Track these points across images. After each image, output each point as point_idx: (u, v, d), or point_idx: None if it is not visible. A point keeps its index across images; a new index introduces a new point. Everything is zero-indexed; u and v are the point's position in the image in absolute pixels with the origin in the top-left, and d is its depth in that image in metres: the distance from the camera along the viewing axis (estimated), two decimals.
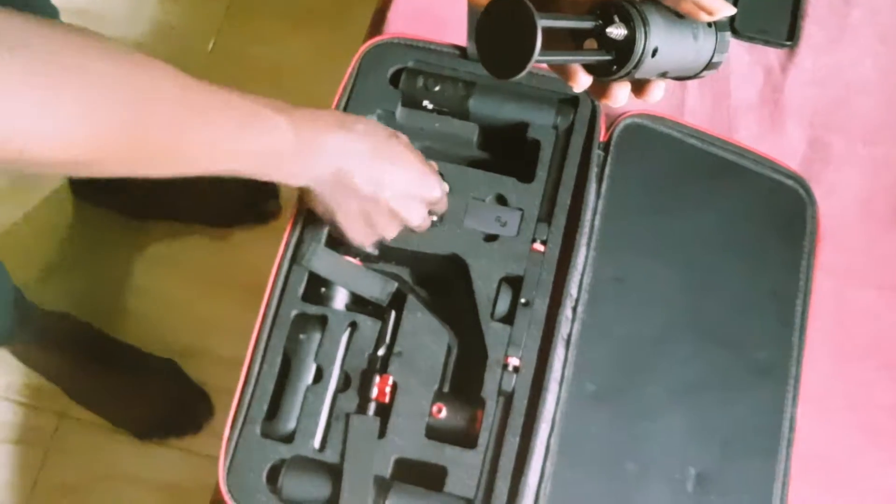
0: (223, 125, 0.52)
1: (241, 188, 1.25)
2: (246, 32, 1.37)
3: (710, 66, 0.48)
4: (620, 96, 0.48)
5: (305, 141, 0.56)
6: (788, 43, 0.84)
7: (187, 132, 0.49)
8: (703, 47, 0.46)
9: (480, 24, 0.42)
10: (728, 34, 0.48)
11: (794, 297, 0.73)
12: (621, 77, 0.45)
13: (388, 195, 0.60)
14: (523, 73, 0.40)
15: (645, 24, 0.42)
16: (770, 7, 0.86)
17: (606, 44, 0.44)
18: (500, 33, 0.41)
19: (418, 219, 0.64)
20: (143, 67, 0.46)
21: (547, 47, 0.40)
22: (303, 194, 0.62)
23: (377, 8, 0.86)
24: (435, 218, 0.68)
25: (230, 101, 0.52)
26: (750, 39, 0.85)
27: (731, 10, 0.45)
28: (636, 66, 0.43)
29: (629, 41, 0.43)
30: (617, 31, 0.43)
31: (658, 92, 0.48)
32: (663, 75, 0.47)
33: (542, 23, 0.39)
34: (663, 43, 0.43)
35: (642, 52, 0.42)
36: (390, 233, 0.65)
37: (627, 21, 0.43)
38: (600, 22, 0.43)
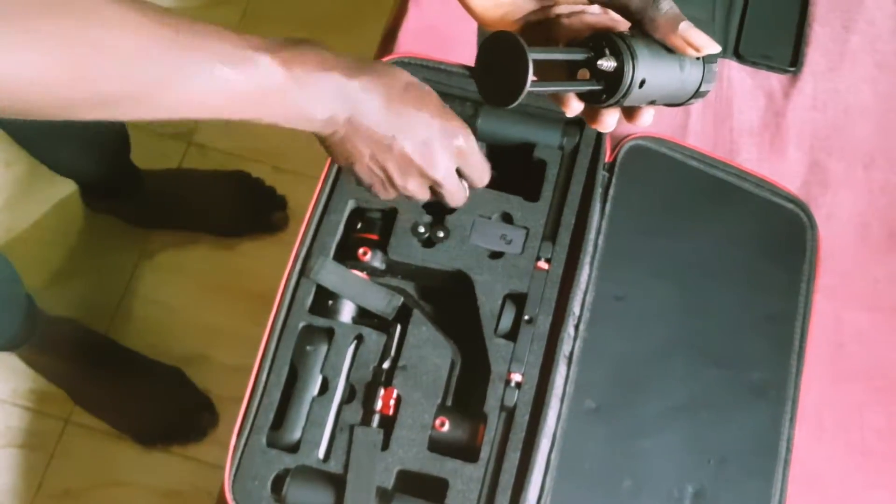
0: (192, 69, 0.48)
1: (247, 198, 1.26)
2: None
3: (697, 94, 0.50)
4: (610, 122, 0.52)
5: (298, 80, 0.52)
6: (791, 69, 0.86)
7: (146, 77, 0.46)
8: (690, 78, 0.49)
9: (479, 56, 0.47)
10: (715, 66, 0.50)
11: (792, 320, 0.74)
12: (611, 105, 0.47)
13: (405, 142, 0.55)
14: (516, 103, 0.44)
15: (633, 57, 0.45)
16: (774, 33, 0.88)
17: (597, 74, 0.46)
18: (497, 65, 0.45)
19: (442, 170, 0.58)
20: (96, 14, 0.43)
21: (542, 76, 0.43)
22: (320, 142, 0.58)
23: (388, 26, 0.87)
24: (466, 188, 0.61)
25: (203, 42, 0.49)
26: (753, 64, 0.86)
27: (717, 49, 0.47)
28: (624, 96, 0.46)
29: (618, 73, 0.45)
30: (607, 64, 0.45)
31: (647, 118, 0.51)
32: (652, 103, 0.49)
33: (533, 56, 0.43)
34: (651, 74, 0.46)
35: (630, 84, 0.45)
36: (413, 187, 0.58)
37: (617, 54, 0.45)
38: (592, 54, 0.46)
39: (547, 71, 0.51)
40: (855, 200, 0.82)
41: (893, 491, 0.73)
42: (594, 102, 0.48)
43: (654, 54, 0.46)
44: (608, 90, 0.46)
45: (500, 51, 0.44)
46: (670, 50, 0.47)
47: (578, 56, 0.47)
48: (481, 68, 0.47)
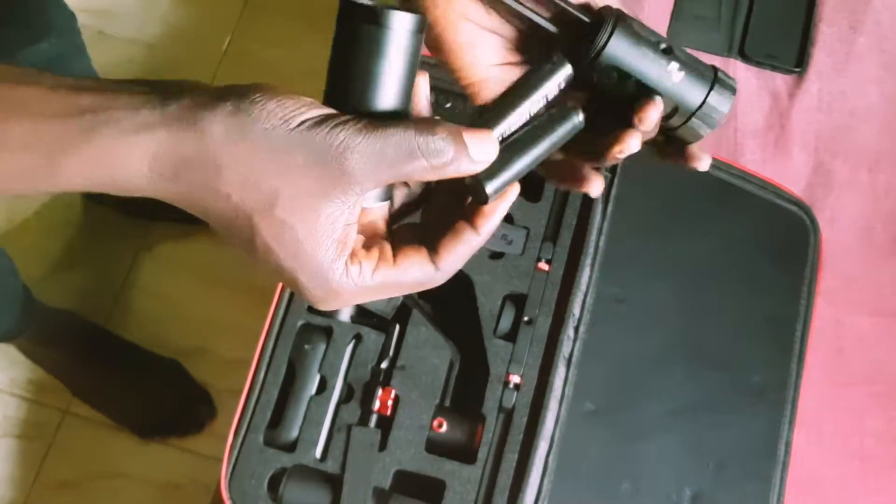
0: None
1: None
2: (261, 33, 1.38)
3: (700, 113, 0.43)
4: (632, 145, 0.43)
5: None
6: (797, 69, 0.85)
7: None
8: (683, 87, 0.42)
9: None
10: (722, 95, 0.43)
11: (793, 323, 0.73)
12: (590, 62, 0.42)
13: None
14: None
15: (614, 26, 0.41)
16: (779, 33, 0.87)
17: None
18: None
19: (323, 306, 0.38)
20: None
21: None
22: None
23: None
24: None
25: None
26: (759, 64, 0.86)
27: (707, 164, 0.44)
28: (598, 54, 0.41)
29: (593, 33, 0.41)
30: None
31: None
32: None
33: None
34: (626, 52, 0.41)
35: (602, 45, 0.41)
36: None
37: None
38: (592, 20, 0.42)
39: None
40: (859, 203, 0.81)
41: (892, 496, 0.73)
42: (575, 60, 0.42)
43: (638, 44, 0.42)
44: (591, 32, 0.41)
45: None
46: (665, 52, 0.43)
47: (582, 15, 0.42)
48: None
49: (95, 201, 1.26)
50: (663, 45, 0.42)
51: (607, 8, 0.42)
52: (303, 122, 0.34)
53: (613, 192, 0.75)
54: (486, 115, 0.41)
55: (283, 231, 0.34)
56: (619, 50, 0.41)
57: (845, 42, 0.86)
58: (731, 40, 0.86)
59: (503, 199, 0.39)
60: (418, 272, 0.37)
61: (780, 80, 0.85)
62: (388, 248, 0.37)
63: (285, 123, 0.34)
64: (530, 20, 0.42)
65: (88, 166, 0.34)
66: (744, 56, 0.86)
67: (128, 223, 1.24)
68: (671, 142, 0.45)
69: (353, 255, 0.36)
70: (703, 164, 0.44)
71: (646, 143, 0.44)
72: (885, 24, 0.87)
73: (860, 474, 0.73)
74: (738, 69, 0.85)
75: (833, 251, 0.78)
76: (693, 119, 0.43)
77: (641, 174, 0.76)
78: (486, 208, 0.38)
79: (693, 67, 0.43)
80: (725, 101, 0.43)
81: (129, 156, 0.34)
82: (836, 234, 0.79)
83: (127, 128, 0.34)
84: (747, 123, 0.83)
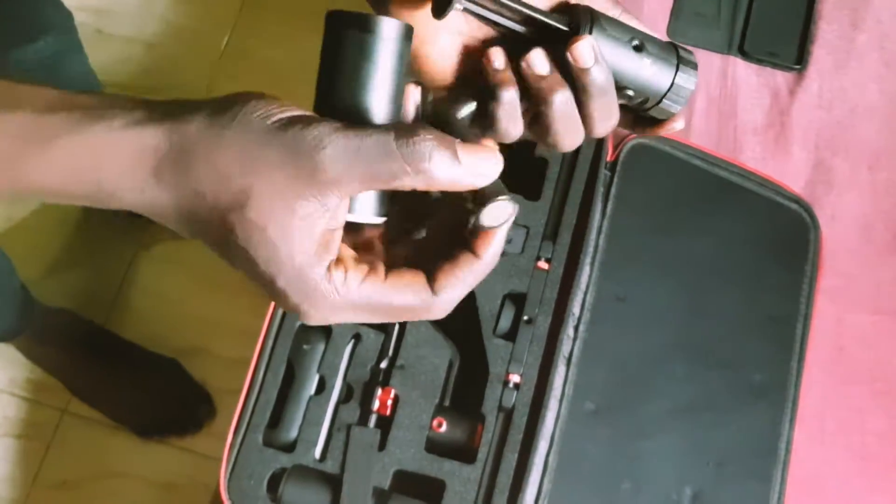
0: None
1: None
2: (260, 31, 1.37)
3: (670, 92, 0.44)
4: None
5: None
6: (797, 66, 0.85)
7: None
8: (657, 71, 0.44)
9: None
10: (686, 72, 0.44)
11: (794, 321, 0.73)
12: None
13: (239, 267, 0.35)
14: (444, 17, 0.39)
15: (593, 19, 0.42)
16: (779, 30, 0.86)
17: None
18: None
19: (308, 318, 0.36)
20: None
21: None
22: None
23: None
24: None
25: None
26: (759, 62, 0.85)
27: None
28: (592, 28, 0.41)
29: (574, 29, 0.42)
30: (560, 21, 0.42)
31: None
32: (622, 90, 0.45)
33: None
34: (606, 47, 0.43)
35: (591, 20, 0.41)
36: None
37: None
38: (571, 27, 0.43)
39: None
40: (859, 201, 0.81)
41: (893, 495, 0.73)
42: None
43: (614, 47, 0.43)
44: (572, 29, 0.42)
45: None
46: (636, 49, 0.44)
47: (559, 24, 0.42)
48: None
49: None
50: (635, 42, 0.43)
51: (581, 8, 0.42)
52: (279, 120, 0.33)
53: (613, 190, 0.74)
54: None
55: (255, 232, 0.33)
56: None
57: (846, 39, 0.86)
58: (732, 38, 0.86)
59: (500, 228, 0.37)
60: (412, 296, 0.35)
61: (781, 78, 0.85)
62: (380, 265, 0.36)
63: (262, 120, 0.33)
64: (505, 26, 0.42)
65: (74, 158, 0.34)
66: (744, 53, 0.85)
67: (127, 223, 1.24)
68: (643, 122, 0.46)
69: (338, 260, 0.34)
70: (678, 125, 0.45)
71: (620, 125, 0.45)
72: (885, 21, 0.87)
73: (861, 473, 0.72)
74: (738, 67, 0.85)
75: (833, 249, 0.78)
76: (664, 101, 0.44)
77: (641, 173, 0.75)
78: (488, 232, 0.36)
79: (659, 56, 0.44)
80: (691, 79, 0.44)
81: (118, 151, 0.34)
82: (837, 231, 0.79)
83: (118, 125, 0.34)
84: (747, 121, 0.83)
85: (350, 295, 0.34)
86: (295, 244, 0.33)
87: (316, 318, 0.35)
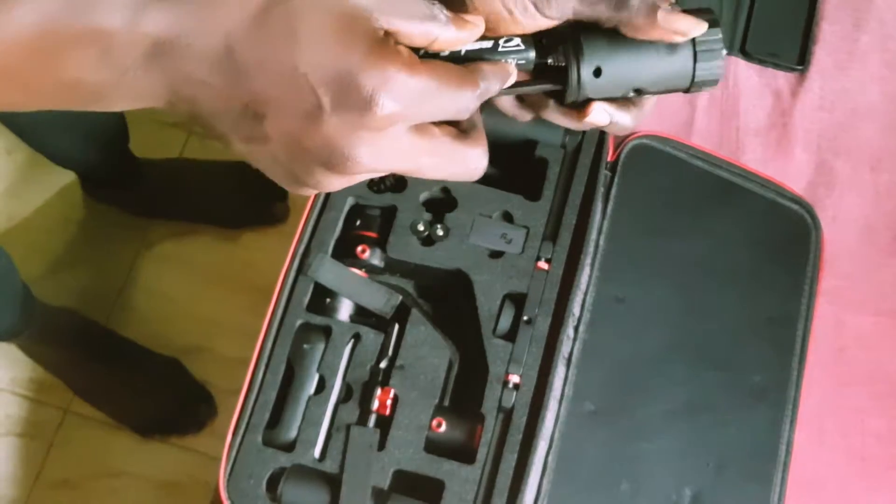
0: None
1: (248, 189, 1.25)
2: None
3: (695, 80, 0.46)
4: (598, 117, 0.48)
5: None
6: (799, 67, 0.85)
7: None
8: (679, 60, 0.45)
9: None
10: (716, 51, 0.45)
11: (794, 323, 0.73)
12: (574, 102, 0.46)
13: (275, 117, 0.32)
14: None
15: (577, 49, 0.43)
16: (781, 30, 0.86)
17: (552, 74, 0.45)
18: None
19: (359, 165, 0.34)
20: None
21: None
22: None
23: None
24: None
25: None
26: (760, 62, 0.85)
27: (701, 29, 0.44)
28: (580, 87, 0.44)
29: (566, 66, 0.44)
30: (554, 59, 0.44)
31: (596, 114, 0.47)
32: (639, 92, 0.46)
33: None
34: (610, 61, 0.44)
35: (578, 75, 0.43)
36: (331, 184, 0.36)
37: (563, 51, 0.44)
38: (535, 54, 0.44)
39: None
40: (861, 203, 0.81)
41: (894, 496, 0.73)
42: (564, 103, 0.47)
43: (613, 41, 0.44)
44: (562, 83, 0.45)
45: None
46: (638, 90, 0.46)
47: (525, 58, 0.44)
48: None
49: (96, 200, 1.26)
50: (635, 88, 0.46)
51: (568, 45, 0.44)
52: None
53: (614, 191, 0.74)
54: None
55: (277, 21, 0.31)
56: (597, 92, 0.45)
57: (848, 40, 0.86)
58: (733, 38, 0.86)
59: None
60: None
61: (783, 79, 0.85)
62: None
63: None
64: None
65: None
66: (745, 54, 0.85)
67: (128, 221, 1.24)
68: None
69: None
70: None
71: None
72: (888, 22, 0.86)
73: (862, 474, 0.72)
74: (739, 67, 0.85)
75: (835, 250, 0.78)
76: (692, 89, 0.46)
77: (642, 173, 0.75)
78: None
79: (668, 56, 0.45)
80: (714, 68, 0.45)
81: None
82: (838, 233, 0.79)
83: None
84: (749, 122, 0.83)
85: (416, 66, 0.32)
86: (333, 23, 0.31)
87: (381, 119, 0.31)
